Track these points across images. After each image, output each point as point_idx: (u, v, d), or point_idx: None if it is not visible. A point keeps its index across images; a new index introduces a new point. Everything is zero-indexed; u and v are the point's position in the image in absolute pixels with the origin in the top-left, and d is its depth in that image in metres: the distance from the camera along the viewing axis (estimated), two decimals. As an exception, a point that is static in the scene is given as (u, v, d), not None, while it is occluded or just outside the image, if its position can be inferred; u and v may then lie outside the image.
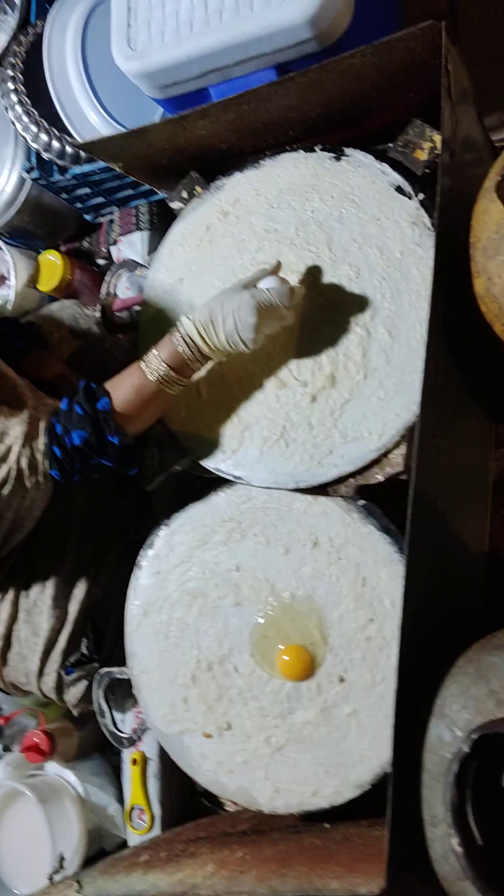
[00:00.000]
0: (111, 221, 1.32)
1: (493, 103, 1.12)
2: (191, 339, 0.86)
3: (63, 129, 1.19)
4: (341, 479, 0.87)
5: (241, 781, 0.91)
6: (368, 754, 0.85)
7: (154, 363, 0.87)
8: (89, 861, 1.08)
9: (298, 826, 0.89)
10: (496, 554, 0.98)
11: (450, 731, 0.66)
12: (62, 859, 0.98)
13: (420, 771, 0.67)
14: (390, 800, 0.64)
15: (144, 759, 1.09)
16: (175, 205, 1.01)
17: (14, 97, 1.19)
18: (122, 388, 0.88)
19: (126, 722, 1.11)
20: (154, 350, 0.88)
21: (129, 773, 1.10)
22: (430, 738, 0.67)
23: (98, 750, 1.21)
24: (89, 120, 1.19)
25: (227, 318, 0.84)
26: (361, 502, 0.89)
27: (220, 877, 0.74)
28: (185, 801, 1.11)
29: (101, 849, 1.11)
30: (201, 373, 0.93)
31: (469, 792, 0.60)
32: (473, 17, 1.18)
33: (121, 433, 0.87)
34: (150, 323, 0.99)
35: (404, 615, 0.68)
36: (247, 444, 0.91)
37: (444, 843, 0.63)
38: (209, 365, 0.92)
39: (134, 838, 1.09)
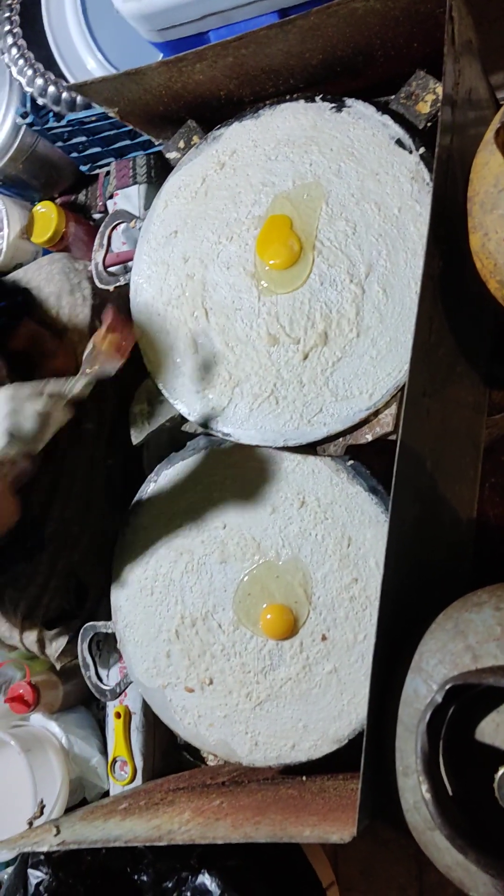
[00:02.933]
0: (108, 174, 1.29)
1: (500, 61, 1.10)
2: None
3: (59, 75, 1.16)
4: (330, 438, 0.87)
5: (222, 735, 0.92)
6: (347, 710, 0.86)
7: None
8: (71, 811, 1.10)
9: (276, 779, 0.90)
10: (484, 520, 0.99)
11: (426, 685, 0.66)
12: (42, 805, 0.99)
13: (395, 723, 0.67)
14: (365, 749, 0.65)
15: (128, 713, 1.11)
16: (171, 155, 0.99)
17: (10, 39, 1.16)
18: None
19: (110, 677, 1.12)
20: None
21: (113, 726, 1.11)
22: (407, 691, 0.67)
23: (83, 703, 1.22)
24: (87, 66, 1.16)
25: None
26: (350, 462, 0.88)
27: (195, 823, 0.75)
28: (167, 754, 1.12)
29: (84, 799, 1.13)
30: (196, 329, 0.92)
31: (441, 743, 0.60)
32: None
33: None
34: (141, 280, 0.98)
35: (386, 568, 0.68)
36: (236, 401, 0.91)
37: (415, 792, 0.63)
38: None
39: (116, 789, 1.10)
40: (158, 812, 0.82)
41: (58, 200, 1.39)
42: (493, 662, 0.63)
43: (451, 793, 0.60)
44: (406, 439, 0.70)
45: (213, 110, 0.96)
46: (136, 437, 0.97)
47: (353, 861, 1.03)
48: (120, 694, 1.00)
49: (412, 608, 0.74)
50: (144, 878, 0.81)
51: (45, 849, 0.72)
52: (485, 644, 0.64)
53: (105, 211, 1.34)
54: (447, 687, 0.56)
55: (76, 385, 0.85)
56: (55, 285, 1.13)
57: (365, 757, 0.64)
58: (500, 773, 0.56)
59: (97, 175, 1.35)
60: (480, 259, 0.70)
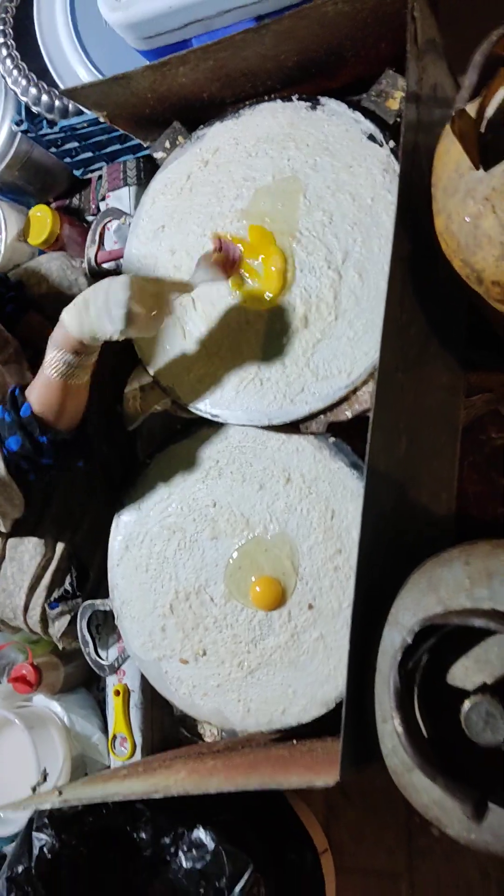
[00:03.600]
0: (100, 177, 1.35)
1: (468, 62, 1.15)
2: (70, 322, 0.85)
3: (52, 84, 1.22)
4: (312, 416, 0.92)
5: (215, 703, 0.96)
6: (334, 675, 0.90)
7: (50, 354, 0.87)
8: (73, 786, 1.14)
9: (269, 745, 0.95)
10: (464, 498, 1.03)
11: (401, 636, 0.70)
12: (45, 773, 1.03)
13: (374, 674, 0.72)
14: (346, 699, 0.69)
15: (127, 691, 1.15)
16: (158, 155, 1.04)
17: (4, 51, 1.22)
18: (36, 390, 0.90)
19: (109, 656, 1.17)
20: (50, 340, 0.88)
21: (112, 704, 1.15)
22: (384, 643, 0.72)
23: (84, 685, 1.26)
24: (77, 75, 1.22)
25: (98, 296, 0.84)
26: (332, 439, 0.93)
27: (190, 780, 0.79)
28: (165, 731, 1.16)
29: (85, 774, 1.17)
30: (184, 317, 0.97)
31: (416, 689, 0.65)
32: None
33: (49, 432, 0.90)
34: (131, 271, 1.03)
35: (362, 533, 0.73)
36: (223, 384, 0.96)
37: (392, 737, 0.68)
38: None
39: (116, 764, 1.14)
40: (156, 774, 0.86)
41: (53, 204, 1.45)
42: (461, 611, 0.67)
43: (426, 734, 0.64)
44: (379, 411, 0.75)
45: (197, 111, 1.01)
46: (130, 422, 1.02)
47: (343, 826, 1.07)
48: (118, 669, 1.05)
49: (392, 578, 0.79)
50: (143, 835, 0.85)
51: (47, 806, 0.76)
52: (455, 596, 0.68)
53: (98, 213, 1.39)
54: (416, 629, 0.60)
55: (194, 278, 0.91)
56: (53, 281, 1.18)
57: (346, 705, 0.68)
58: (465, 706, 0.60)
59: (90, 179, 1.41)
60: (445, 239, 0.75)
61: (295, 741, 0.93)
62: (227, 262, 0.92)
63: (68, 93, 0.95)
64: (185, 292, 0.92)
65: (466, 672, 0.66)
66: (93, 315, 0.85)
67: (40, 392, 0.90)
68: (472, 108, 0.69)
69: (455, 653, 0.67)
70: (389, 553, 0.80)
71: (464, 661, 0.66)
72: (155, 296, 0.86)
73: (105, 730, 1.19)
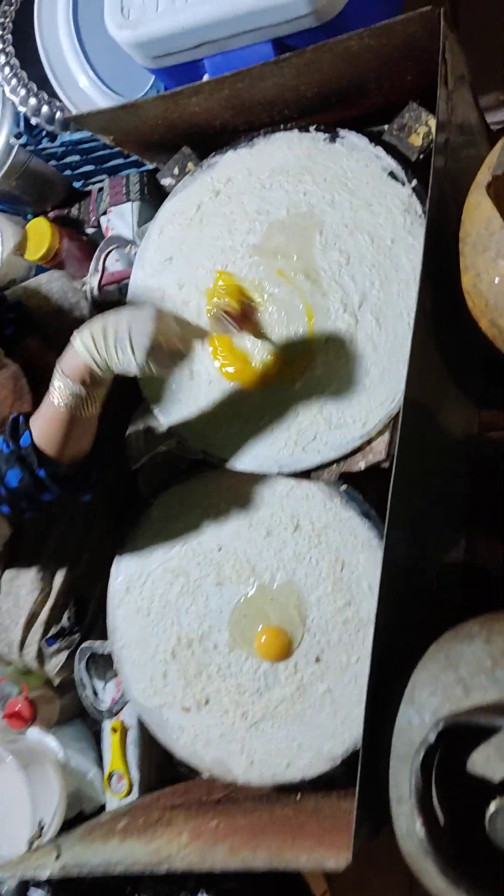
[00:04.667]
0: (101, 190, 1.30)
1: (489, 82, 1.11)
2: (81, 349, 0.79)
3: (52, 94, 1.17)
4: (324, 466, 0.88)
5: (218, 753, 0.94)
6: (341, 730, 0.88)
7: (57, 382, 0.81)
8: (68, 823, 1.12)
9: (272, 796, 0.92)
10: (473, 540, 1.01)
11: (418, 716, 0.68)
12: (42, 826, 1.01)
13: (389, 752, 0.69)
14: (359, 782, 0.67)
15: (124, 728, 1.12)
16: (166, 181, 1.00)
17: (2, 58, 1.16)
18: (40, 419, 0.84)
19: (107, 691, 1.14)
20: (57, 367, 0.82)
21: (109, 741, 1.12)
22: (400, 721, 0.69)
23: (79, 716, 1.23)
24: (79, 84, 1.17)
25: (121, 324, 0.77)
26: (343, 487, 0.90)
27: (193, 847, 0.76)
28: (163, 767, 1.14)
29: (81, 811, 1.14)
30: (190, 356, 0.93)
31: (434, 775, 0.62)
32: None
33: (49, 465, 0.84)
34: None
35: (381, 596, 0.70)
36: (232, 428, 0.92)
37: (408, 820, 0.65)
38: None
39: (113, 802, 1.12)
40: (157, 833, 0.84)
41: (50, 214, 1.40)
42: (483, 695, 0.65)
43: (442, 822, 0.62)
44: (399, 476, 0.71)
45: (208, 137, 0.97)
46: (133, 462, 0.98)
47: (345, 872, 1.05)
48: (116, 714, 1.02)
49: (403, 632, 0.76)
50: (144, 899, 0.83)
51: (46, 875, 0.74)
52: (475, 677, 0.66)
53: (98, 226, 1.34)
54: (440, 727, 0.58)
55: (213, 327, 0.87)
56: (54, 303, 1.14)
57: (359, 793, 0.66)
58: (491, 808, 0.58)
59: (90, 190, 1.36)
60: (472, 298, 0.71)
61: (299, 795, 0.91)
62: (241, 317, 0.88)
63: (73, 119, 0.90)
64: (203, 339, 0.87)
65: (488, 760, 0.64)
66: (111, 343, 0.78)
67: (44, 422, 0.85)
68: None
69: (476, 739, 0.64)
70: (401, 604, 0.77)
71: (485, 748, 0.64)
72: (180, 336, 0.81)
73: (101, 763, 1.17)
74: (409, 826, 0.67)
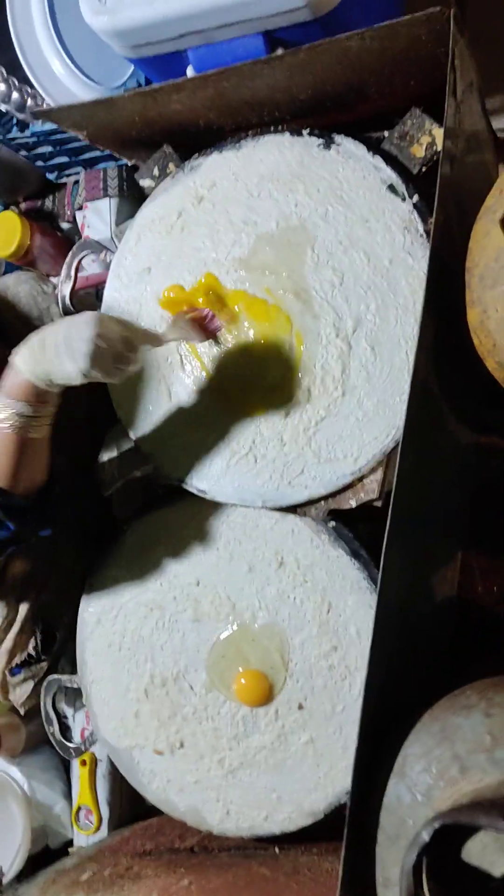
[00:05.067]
0: (76, 182, 1.21)
1: (497, 83, 1.03)
2: (21, 364, 0.75)
3: (24, 80, 1.07)
4: (312, 502, 0.82)
5: (192, 801, 0.89)
6: (323, 783, 0.83)
7: (2, 405, 0.76)
8: (32, 858, 1.06)
9: (248, 849, 0.87)
10: (469, 572, 0.96)
11: (409, 794, 0.62)
12: (1, 874, 0.95)
13: (376, 829, 0.64)
14: (342, 864, 0.62)
15: (94, 760, 1.06)
16: (145, 183, 0.92)
17: (-31, 39, 1.07)
18: None
19: (77, 721, 1.08)
20: None
21: (78, 774, 1.07)
22: (389, 796, 0.64)
23: (48, 743, 1.17)
24: (54, 70, 1.07)
25: (59, 333, 0.73)
26: (332, 524, 0.84)
27: (163, 915, 0.71)
28: (134, 801, 1.09)
29: (46, 846, 1.09)
30: (170, 376, 0.86)
31: (426, 868, 0.57)
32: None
33: (1, 496, 0.78)
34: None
35: (373, 648, 0.64)
36: (212, 456, 0.85)
37: (397, 913, 0.60)
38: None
39: (80, 838, 1.06)
40: (123, 892, 0.79)
41: (22, 205, 1.31)
42: (481, 777, 0.59)
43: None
44: (395, 524, 0.65)
45: (191, 136, 0.88)
46: (105, 488, 0.91)
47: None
48: (84, 753, 0.96)
49: (394, 687, 0.70)
50: None
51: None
52: (473, 755, 0.60)
53: (73, 221, 1.26)
54: (436, 826, 0.52)
55: (167, 333, 0.81)
56: (22, 309, 1.06)
57: (343, 876, 0.60)
58: (491, 920, 0.53)
59: (65, 182, 1.27)
60: (478, 336, 0.65)
61: (277, 850, 0.86)
62: (203, 324, 0.82)
63: (44, 114, 0.82)
64: (155, 345, 0.80)
65: (484, 850, 0.58)
66: (50, 353, 0.73)
67: None
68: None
69: (472, 828, 0.59)
70: (392, 649, 0.71)
71: (482, 836, 0.58)
72: (123, 340, 0.75)
73: (69, 794, 1.11)
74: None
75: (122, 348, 0.74)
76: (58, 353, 0.73)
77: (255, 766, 0.86)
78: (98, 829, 1.06)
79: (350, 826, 0.63)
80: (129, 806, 1.08)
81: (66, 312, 0.96)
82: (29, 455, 0.78)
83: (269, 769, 0.85)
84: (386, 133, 0.81)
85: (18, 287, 1.07)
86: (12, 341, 1.02)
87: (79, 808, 1.07)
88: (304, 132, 0.83)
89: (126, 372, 0.76)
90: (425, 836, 0.53)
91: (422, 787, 0.62)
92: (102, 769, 1.07)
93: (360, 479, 0.80)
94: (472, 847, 0.59)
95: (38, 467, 0.81)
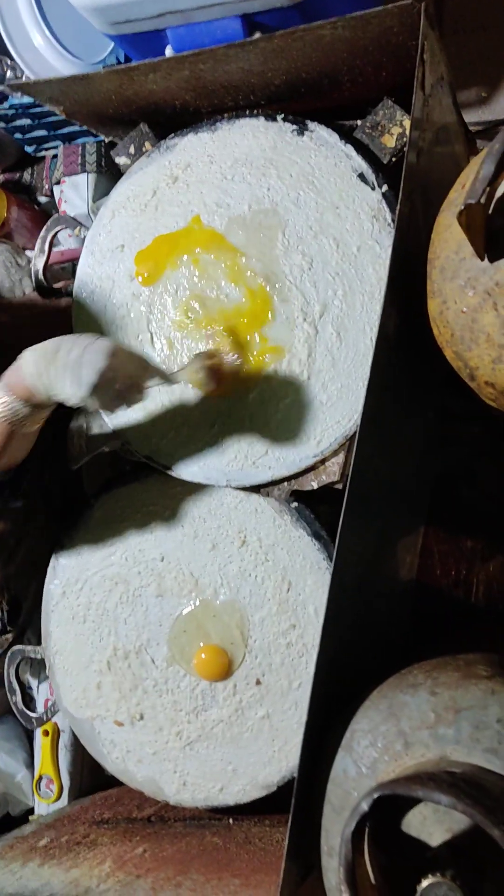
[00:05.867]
0: (55, 157, 1.21)
1: (472, 76, 1.05)
2: (27, 366, 0.74)
3: (4, 51, 1.07)
4: (274, 483, 0.84)
5: (150, 772, 0.91)
6: (277, 757, 0.85)
7: (2, 399, 0.76)
8: (-6, 826, 1.08)
9: (203, 819, 0.90)
10: (429, 555, 0.98)
11: (355, 767, 0.65)
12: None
13: (322, 800, 0.66)
14: (289, 831, 0.64)
15: (57, 731, 1.08)
16: (121, 160, 0.92)
17: None
18: None
19: (41, 691, 1.10)
20: (2, 382, 0.76)
21: (40, 743, 1.09)
22: (336, 769, 0.66)
23: (10, 713, 1.19)
24: (34, 43, 1.07)
25: (74, 352, 0.72)
26: (294, 505, 0.86)
27: (114, 879, 0.73)
28: (95, 772, 1.11)
29: (7, 814, 1.11)
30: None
31: (367, 837, 0.59)
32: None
33: None
34: (85, 295, 0.91)
35: (326, 626, 0.66)
36: (179, 435, 0.86)
37: (338, 875, 0.63)
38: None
39: (41, 807, 1.08)
40: (79, 858, 0.81)
41: (0, 177, 1.30)
42: (424, 752, 0.62)
43: (374, 882, 0.59)
44: (351, 506, 0.67)
45: (168, 116, 0.89)
46: (73, 462, 0.92)
47: None
48: (46, 722, 0.98)
49: (349, 664, 0.73)
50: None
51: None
52: (417, 731, 0.62)
53: (51, 195, 1.26)
54: (375, 796, 0.54)
55: (180, 375, 0.81)
56: (-6, 280, 1.06)
57: (289, 841, 0.63)
58: (423, 885, 0.55)
59: (44, 155, 1.26)
60: (437, 326, 0.66)
61: (231, 820, 0.88)
62: (220, 372, 0.82)
63: (20, 87, 0.82)
64: (165, 384, 0.81)
65: (424, 822, 0.61)
66: (59, 368, 0.73)
67: None
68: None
69: (413, 799, 0.61)
70: (349, 625, 0.73)
71: (422, 808, 0.61)
72: (131, 379, 0.75)
73: (31, 764, 1.13)
74: (338, 880, 0.64)
75: (128, 387, 0.75)
76: (64, 372, 0.73)
77: (212, 738, 0.88)
78: (58, 798, 1.08)
79: (297, 796, 0.66)
80: (89, 777, 1.11)
81: (39, 286, 0.96)
82: (16, 443, 0.80)
83: (225, 742, 0.87)
84: (359, 122, 0.82)
85: (-8, 259, 1.07)
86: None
87: (40, 778, 1.09)
88: (279, 117, 0.83)
89: (123, 408, 0.77)
90: (364, 806, 0.55)
91: (367, 761, 0.64)
92: (65, 740, 1.08)
93: (322, 461, 0.81)
94: (413, 819, 0.62)
95: (22, 451, 0.82)
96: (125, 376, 0.74)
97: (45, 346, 0.74)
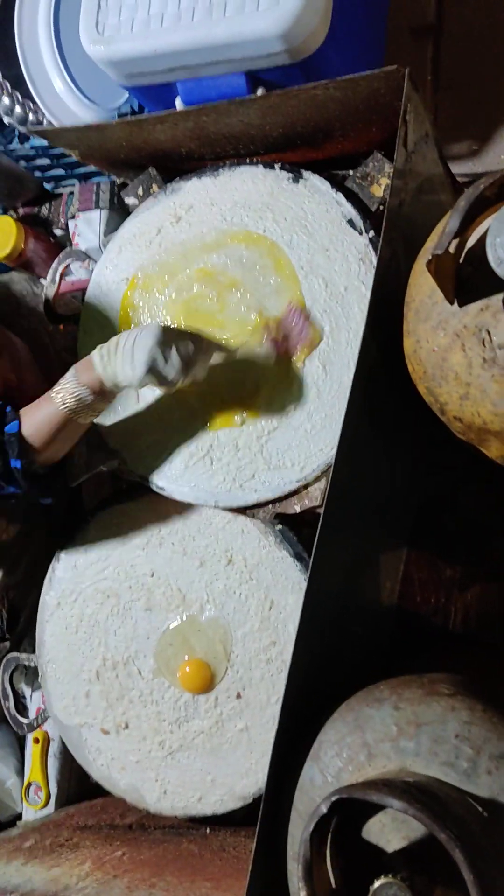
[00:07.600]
0: (71, 193, 1.28)
1: (464, 129, 1.11)
2: (96, 358, 0.83)
3: (27, 95, 1.14)
4: (260, 505, 0.88)
5: (132, 779, 0.94)
6: (255, 769, 0.89)
7: (69, 384, 0.84)
8: (-18, 830, 1.11)
9: (182, 828, 0.93)
10: (409, 582, 1.01)
11: (321, 776, 0.68)
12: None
13: (290, 807, 0.70)
14: (257, 837, 0.67)
15: (47, 739, 1.12)
16: (130, 200, 0.98)
17: (-22, 54, 1.14)
18: (34, 415, 0.85)
19: (34, 700, 1.14)
20: (72, 369, 0.85)
21: (30, 751, 1.12)
22: (304, 778, 0.70)
23: (3, 720, 1.23)
24: (55, 88, 1.14)
25: (129, 338, 0.81)
26: (279, 527, 0.90)
27: (93, 878, 0.77)
28: (82, 781, 1.14)
29: (-4, 819, 1.15)
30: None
31: (330, 842, 0.62)
32: (458, 36, 1.15)
33: (26, 459, 0.85)
34: (90, 323, 0.98)
35: (298, 642, 0.70)
36: (173, 457, 0.92)
37: (297, 874, 0.66)
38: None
39: (28, 813, 1.12)
40: (60, 858, 0.84)
41: (21, 210, 1.37)
42: (385, 763, 0.65)
43: (334, 885, 0.63)
44: (326, 528, 0.71)
45: (174, 162, 0.95)
46: (73, 479, 0.97)
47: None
48: (36, 728, 1.02)
49: (327, 678, 0.76)
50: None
51: None
52: (380, 743, 0.66)
53: (66, 229, 1.33)
54: (333, 799, 0.58)
55: (240, 349, 0.87)
56: (13, 306, 1.12)
57: (256, 847, 0.66)
58: (374, 885, 0.59)
59: (62, 192, 1.34)
60: (412, 363, 0.71)
61: (208, 830, 0.92)
62: (285, 342, 0.87)
63: (39, 133, 0.89)
64: (224, 357, 0.87)
65: (382, 829, 0.64)
66: (119, 357, 0.82)
67: (38, 417, 0.85)
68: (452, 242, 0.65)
69: (374, 807, 0.65)
70: (327, 645, 0.77)
71: (381, 816, 0.64)
72: (187, 352, 0.82)
73: (22, 770, 1.17)
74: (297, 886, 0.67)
75: (180, 363, 0.81)
76: (122, 358, 0.81)
77: (192, 749, 0.91)
78: (46, 804, 1.11)
79: (266, 803, 0.69)
80: (76, 785, 1.14)
81: (48, 313, 1.02)
82: (67, 433, 0.86)
83: (205, 753, 0.91)
84: (350, 172, 0.88)
85: (11, 287, 1.14)
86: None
87: (29, 784, 1.12)
88: (276, 166, 0.90)
89: (184, 383, 0.83)
90: (323, 808, 0.59)
91: (332, 770, 0.68)
92: (54, 748, 1.12)
93: (306, 486, 0.86)
94: (373, 826, 0.65)
95: (66, 446, 0.89)
96: (180, 353, 0.81)
97: (109, 341, 0.83)
